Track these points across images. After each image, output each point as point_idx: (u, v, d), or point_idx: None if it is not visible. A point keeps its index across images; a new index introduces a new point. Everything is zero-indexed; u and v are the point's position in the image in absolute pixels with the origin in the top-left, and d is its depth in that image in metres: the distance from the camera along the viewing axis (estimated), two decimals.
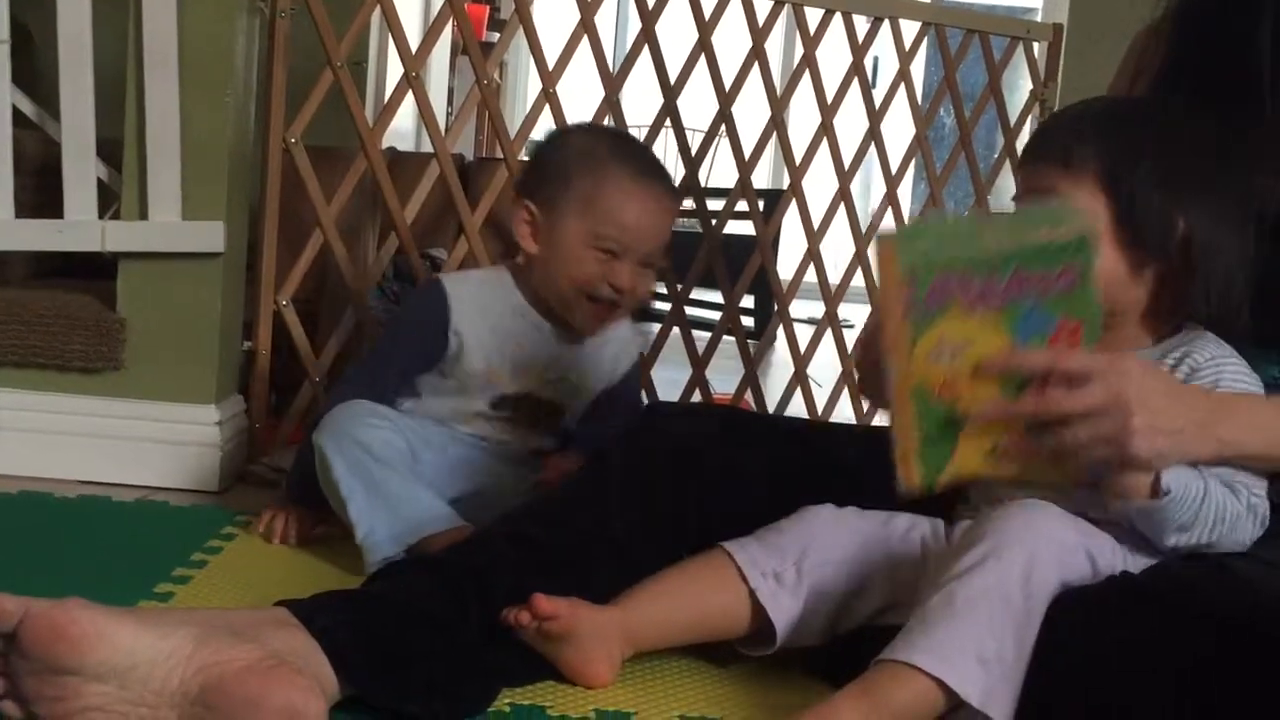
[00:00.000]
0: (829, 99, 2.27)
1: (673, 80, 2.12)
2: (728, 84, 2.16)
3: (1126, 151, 1.11)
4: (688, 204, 2.24)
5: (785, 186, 2.31)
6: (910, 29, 2.33)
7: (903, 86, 2.34)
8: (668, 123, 2.15)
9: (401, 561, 1.33)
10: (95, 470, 1.79)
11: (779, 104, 2.23)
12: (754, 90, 2.19)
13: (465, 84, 4.09)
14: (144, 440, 1.80)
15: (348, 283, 1.95)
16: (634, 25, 2.56)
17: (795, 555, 1.15)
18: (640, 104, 2.28)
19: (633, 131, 2.13)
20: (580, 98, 2.13)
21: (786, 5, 2.20)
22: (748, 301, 4.02)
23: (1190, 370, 1.11)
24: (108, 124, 1.79)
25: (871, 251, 2.34)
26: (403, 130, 3.10)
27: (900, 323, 1.03)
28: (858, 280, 2.34)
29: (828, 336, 2.34)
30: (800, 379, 2.33)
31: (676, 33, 2.12)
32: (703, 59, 2.14)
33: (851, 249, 2.36)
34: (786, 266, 2.46)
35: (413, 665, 1.06)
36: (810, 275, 2.30)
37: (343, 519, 1.44)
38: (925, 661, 0.95)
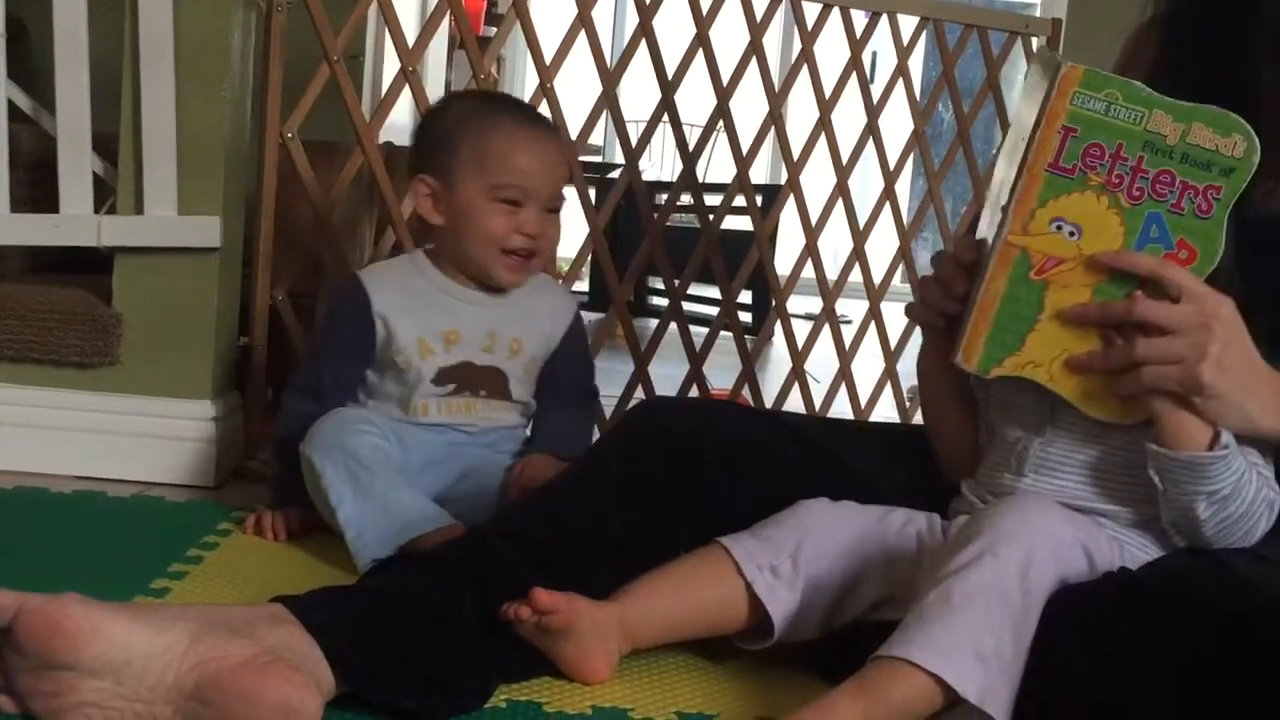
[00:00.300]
0: (827, 94, 2.26)
1: (670, 75, 2.12)
2: (725, 79, 2.15)
3: None
4: (685, 199, 2.25)
5: (783, 182, 2.30)
6: (908, 24, 2.32)
7: (901, 81, 2.33)
8: (665, 118, 2.15)
9: (397, 558, 1.32)
10: (91, 465, 1.79)
11: (777, 99, 2.22)
12: (752, 85, 2.19)
13: (462, 79, 4.08)
14: (140, 435, 1.80)
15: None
16: (631, 20, 2.56)
17: (791, 548, 1.15)
18: (638, 99, 2.28)
19: (630, 127, 2.13)
20: (577, 93, 2.13)
21: (784, 0, 2.19)
22: (745, 297, 4.03)
23: None
24: (103, 118, 1.79)
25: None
26: (399, 125, 3.09)
27: (1039, 174, 0.99)
28: (855, 276, 2.34)
29: (825, 332, 2.33)
30: (798, 374, 2.33)
31: (674, 27, 2.11)
32: (700, 54, 2.13)
33: (849, 244, 2.35)
34: (784, 262, 2.45)
35: (409, 661, 1.05)
36: (808, 271, 2.30)
37: (332, 525, 1.45)
38: (923, 658, 0.95)
